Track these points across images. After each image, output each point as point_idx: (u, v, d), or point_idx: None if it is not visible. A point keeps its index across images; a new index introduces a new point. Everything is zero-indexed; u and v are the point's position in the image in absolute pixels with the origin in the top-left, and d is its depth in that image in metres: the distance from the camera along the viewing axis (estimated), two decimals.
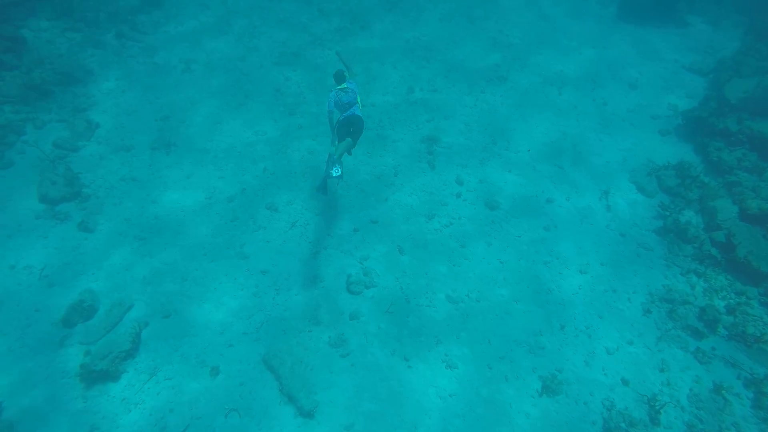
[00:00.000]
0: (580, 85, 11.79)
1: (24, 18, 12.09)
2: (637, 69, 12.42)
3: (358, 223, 8.68)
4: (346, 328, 7.41)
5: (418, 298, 7.75)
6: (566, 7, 14.35)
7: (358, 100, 7.60)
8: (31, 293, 7.49)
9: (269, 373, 6.89)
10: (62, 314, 7.15)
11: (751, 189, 9.12)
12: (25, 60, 11.07)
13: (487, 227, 8.77)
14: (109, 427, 6.31)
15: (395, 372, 6.95)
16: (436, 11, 13.79)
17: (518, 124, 10.67)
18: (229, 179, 9.31)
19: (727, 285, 8.03)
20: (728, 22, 14.06)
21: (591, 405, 6.80)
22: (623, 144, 10.45)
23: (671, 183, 9.45)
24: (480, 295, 7.86)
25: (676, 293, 7.85)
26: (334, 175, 7.32)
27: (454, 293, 7.85)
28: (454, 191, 9.27)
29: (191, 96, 10.93)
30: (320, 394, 6.67)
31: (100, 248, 8.13)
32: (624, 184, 9.69)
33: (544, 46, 12.86)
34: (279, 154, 9.77)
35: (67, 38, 12.03)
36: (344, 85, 7.49)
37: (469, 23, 13.49)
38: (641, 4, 14.00)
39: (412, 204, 9.02)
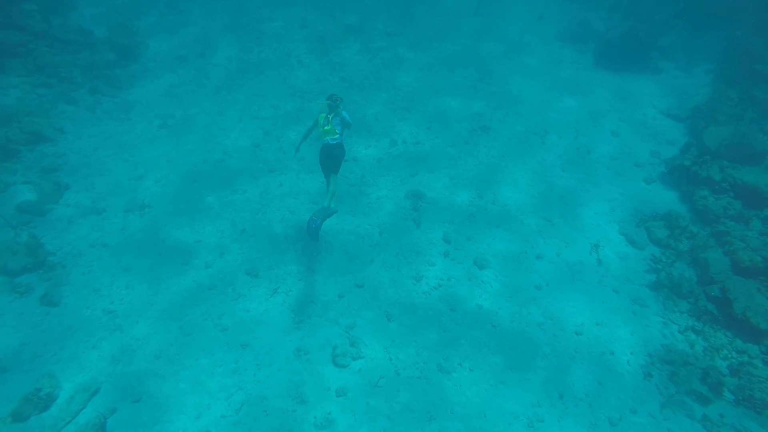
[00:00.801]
0: (563, 133, 11.78)
1: None
2: (617, 115, 12.52)
3: (342, 288, 8.26)
4: (333, 405, 6.88)
5: (409, 370, 7.29)
6: (544, 56, 14.56)
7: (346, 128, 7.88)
8: None
9: None
10: (12, 407, 6.46)
11: (740, 239, 9.01)
12: None
13: (477, 288, 8.43)
14: None
15: None
16: (416, 61, 13.83)
17: (504, 175, 10.52)
18: (207, 242, 8.85)
19: (727, 343, 7.77)
20: (699, 69, 14.42)
21: None
22: (610, 194, 10.35)
23: (661, 234, 9.30)
24: (473, 363, 7.44)
25: (676, 353, 7.55)
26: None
27: (445, 362, 7.41)
28: (441, 250, 8.96)
29: (167, 153, 10.56)
30: None
31: (64, 324, 7.53)
32: (614, 236, 9.50)
33: (525, 95, 12.92)
34: (259, 215, 9.39)
35: (38, 95, 11.65)
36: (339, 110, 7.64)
37: (450, 72, 13.54)
38: (616, 52, 14.30)
39: (399, 265, 8.66)
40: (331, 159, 7.69)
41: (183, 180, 9.97)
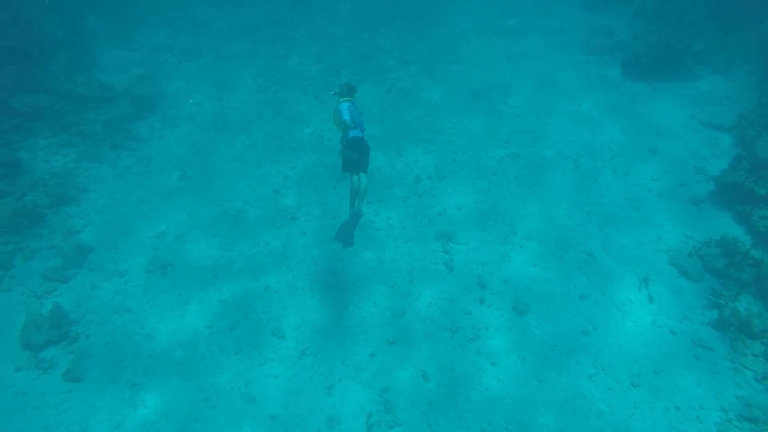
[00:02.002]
0: (597, 155, 11.08)
1: (22, 140, 11.90)
2: (653, 130, 11.73)
3: (374, 345, 7.76)
4: None
5: None
6: (569, 73, 13.92)
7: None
8: None
9: None
10: None
11: None
12: (19, 184, 10.72)
13: (518, 337, 7.79)
14: None
15: None
16: (436, 88, 13.39)
17: (537, 207, 9.88)
18: (230, 302, 8.52)
19: None
20: (740, 71, 13.46)
21: None
22: (654, 219, 9.56)
23: (718, 264, 8.46)
24: (520, 426, 6.77)
25: (757, 408, 6.69)
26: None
27: (489, 426, 6.77)
28: (477, 296, 8.37)
29: (187, 206, 10.37)
30: None
31: (86, 402, 7.26)
32: (664, 268, 8.72)
33: (553, 115, 12.29)
34: (282, 268, 9.01)
35: (63, 155, 11.73)
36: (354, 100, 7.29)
37: (472, 97, 13.04)
38: (646, 62, 13.52)
39: (433, 316, 8.11)
40: (368, 156, 7.31)
41: (203, 234, 9.73)
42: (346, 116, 7.15)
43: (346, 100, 7.44)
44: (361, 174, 7.30)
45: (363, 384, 7.32)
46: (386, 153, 11.28)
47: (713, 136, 11.38)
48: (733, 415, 6.74)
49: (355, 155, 7.16)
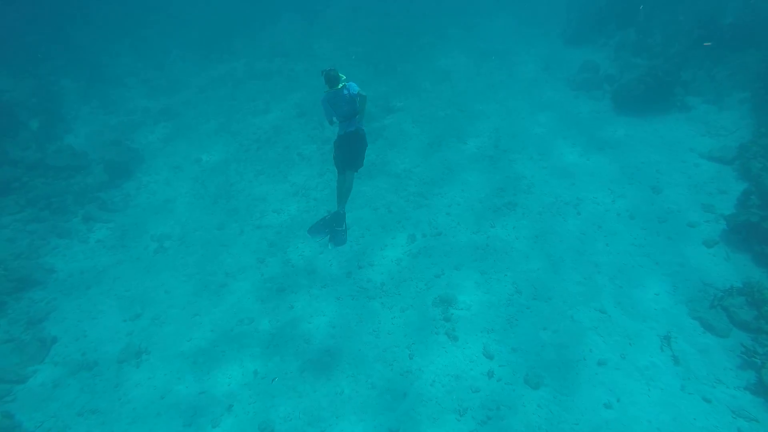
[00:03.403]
0: (598, 198, 10.49)
1: None
2: (653, 167, 11.21)
3: None
4: None
5: None
6: (559, 108, 13.56)
7: (359, 106, 6.53)
8: None
9: None
10: None
11: None
12: None
13: (534, 416, 6.94)
14: None
15: None
16: (423, 135, 12.91)
17: (540, 261, 9.19)
18: (212, 392, 7.62)
19: None
20: (731, 100, 13.13)
21: None
22: (668, 266, 8.88)
23: (746, 316, 7.74)
24: None
25: None
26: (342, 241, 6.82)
27: None
28: (484, 369, 7.55)
29: (165, 282, 9.57)
30: None
31: None
32: (686, 323, 7.97)
33: (548, 157, 11.78)
34: (270, 348, 8.16)
35: (29, 232, 10.98)
36: (340, 86, 6.22)
37: (461, 143, 12.58)
38: (636, 95, 13.17)
39: (437, 396, 7.26)
40: (360, 152, 6.76)
41: (183, 314, 8.91)
42: (326, 115, 6.54)
43: (325, 93, 6.47)
44: (348, 173, 6.86)
45: None
46: (376, 210, 10.63)
47: (716, 169, 10.87)
48: None
49: (338, 155, 6.72)
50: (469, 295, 8.67)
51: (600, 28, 17.37)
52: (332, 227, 6.89)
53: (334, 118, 6.58)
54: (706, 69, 14.04)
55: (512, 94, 14.52)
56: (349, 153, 6.71)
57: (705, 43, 13.85)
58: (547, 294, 8.62)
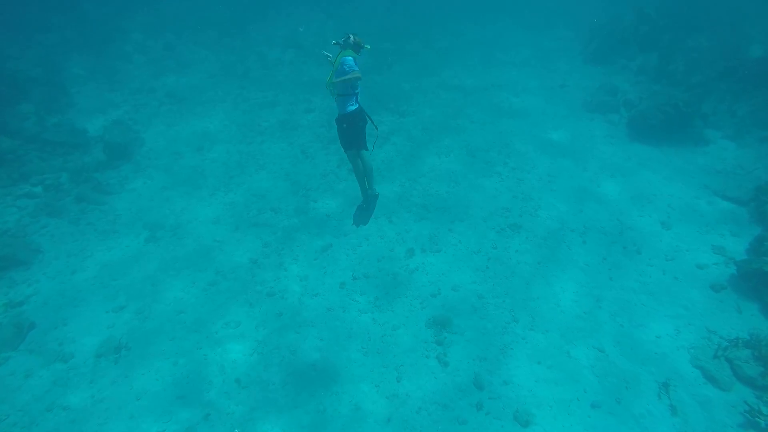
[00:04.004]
0: (606, 228, 10.16)
1: None
2: (664, 201, 10.88)
3: None
4: None
5: None
6: (573, 130, 13.20)
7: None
8: None
9: None
10: None
11: None
12: None
13: None
14: None
15: None
16: (432, 145, 12.56)
17: (541, 289, 8.87)
18: (190, 399, 7.31)
19: None
20: (751, 137, 12.82)
21: None
22: (671, 308, 8.57)
23: (751, 372, 7.43)
24: None
25: None
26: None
27: None
28: (473, 400, 7.25)
29: (153, 275, 9.25)
30: None
31: None
32: (686, 371, 7.66)
33: (558, 179, 11.45)
34: (254, 356, 7.85)
35: (18, 208, 10.66)
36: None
37: (470, 156, 12.21)
38: (653, 123, 12.82)
39: (423, 425, 6.96)
40: (345, 134, 6.47)
41: (168, 310, 8.60)
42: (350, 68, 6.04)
43: (351, 55, 6.15)
44: (363, 153, 6.74)
45: None
46: (376, 219, 10.28)
47: (729, 209, 10.54)
48: None
49: (362, 131, 6.49)
50: (465, 319, 8.36)
51: (622, 49, 17.00)
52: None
53: (353, 86, 6.24)
54: (727, 103, 13.70)
55: (526, 109, 14.17)
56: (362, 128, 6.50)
57: None
58: (544, 325, 8.31)
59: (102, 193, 11.26)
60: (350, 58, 6.07)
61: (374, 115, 12.77)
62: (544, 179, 11.46)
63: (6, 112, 13.05)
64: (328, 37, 18.23)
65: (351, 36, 6.20)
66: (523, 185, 11.27)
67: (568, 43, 18.16)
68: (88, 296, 8.85)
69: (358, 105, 6.35)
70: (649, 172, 11.73)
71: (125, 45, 17.71)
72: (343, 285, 8.99)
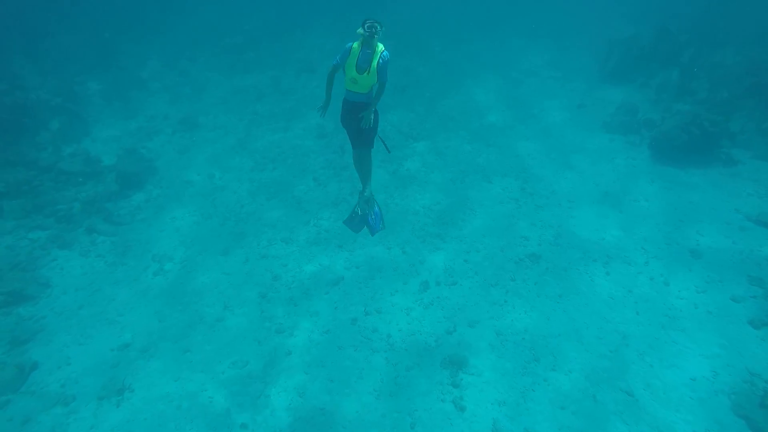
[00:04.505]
0: (630, 257, 9.64)
1: None
2: (693, 227, 10.30)
3: None
4: None
5: None
6: (592, 152, 12.74)
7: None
8: None
9: None
10: None
11: None
12: None
13: None
14: None
15: None
16: (446, 169, 12.22)
17: (562, 325, 8.38)
18: None
19: None
20: None
21: None
22: (707, 347, 7.97)
23: None
24: None
25: None
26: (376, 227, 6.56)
27: None
28: None
29: (160, 310, 9.05)
30: None
31: None
32: (728, 420, 7.07)
33: (578, 205, 10.97)
34: (261, 399, 7.53)
35: (30, 240, 10.61)
36: (379, 47, 5.47)
37: (486, 182, 11.83)
38: (677, 145, 12.26)
39: None
40: (356, 127, 6.02)
41: (173, 349, 8.34)
42: (335, 59, 5.71)
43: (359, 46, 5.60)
44: (358, 149, 6.43)
45: None
46: (389, 249, 9.95)
47: (765, 236, 9.93)
48: None
49: (344, 119, 6.24)
50: (482, 358, 7.90)
51: (641, 67, 16.52)
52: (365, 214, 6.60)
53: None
54: (756, 121, 13.10)
55: (544, 131, 13.77)
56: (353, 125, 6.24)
57: None
58: (567, 365, 7.80)
59: (113, 224, 11.17)
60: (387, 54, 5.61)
61: (387, 139, 12.57)
62: (564, 205, 11.00)
63: (24, 143, 13.22)
64: None
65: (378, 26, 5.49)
66: (542, 212, 10.83)
67: (585, 60, 17.75)
68: (93, 333, 8.66)
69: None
70: (674, 196, 11.18)
71: (142, 72, 17.91)
72: (355, 321, 8.64)
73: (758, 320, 8.29)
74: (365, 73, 5.59)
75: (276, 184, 11.99)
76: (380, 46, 5.58)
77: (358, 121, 5.95)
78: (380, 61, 5.54)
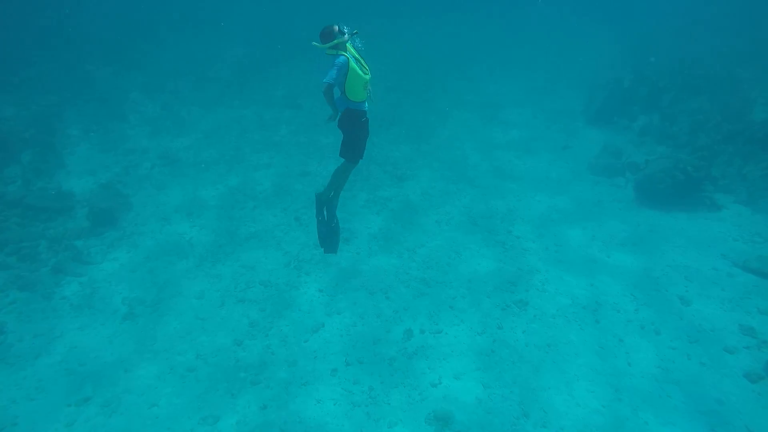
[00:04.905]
0: (619, 305, 9.41)
1: None
2: (681, 272, 10.17)
3: None
4: None
5: None
6: (578, 195, 12.71)
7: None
8: None
9: None
10: None
11: None
12: None
13: None
14: None
15: None
16: (433, 212, 11.99)
17: (552, 378, 8.01)
18: None
19: None
20: (766, 202, 12.22)
21: None
22: (702, 401, 7.67)
23: None
24: None
25: None
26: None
27: None
28: None
29: (127, 358, 8.43)
30: None
31: None
32: None
33: (565, 249, 10.80)
34: None
35: None
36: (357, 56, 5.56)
37: (472, 224, 11.61)
38: (662, 188, 12.28)
39: None
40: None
41: (139, 402, 7.72)
42: (335, 79, 5.49)
43: (347, 56, 5.53)
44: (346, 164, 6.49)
45: None
46: (372, 294, 9.55)
47: (753, 283, 9.81)
48: None
49: (362, 141, 6.12)
50: (469, 413, 7.45)
51: (623, 110, 16.83)
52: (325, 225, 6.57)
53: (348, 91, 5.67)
54: (736, 166, 13.28)
55: (528, 172, 13.74)
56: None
57: None
58: (558, 421, 7.40)
59: (82, 263, 10.59)
60: (342, 58, 5.51)
61: (371, 178, 12.34)
62: (551, 249, 10.80)
63: None
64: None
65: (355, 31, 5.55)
66: (529, 256, 10.60)
67: (569, 102, 18.04)
68: (48, 386, 7.98)
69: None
70: (660, 240, 11.09)
71: (123, 104, 17.57)
72: (335, 372, 8.15)
73: (754, 373, 8.05)
74: (369, 73, 5.70)
75: (256, 223, 11.61)
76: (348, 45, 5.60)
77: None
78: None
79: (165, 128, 16.19)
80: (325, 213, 6.84)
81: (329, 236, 7.07)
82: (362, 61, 5.71)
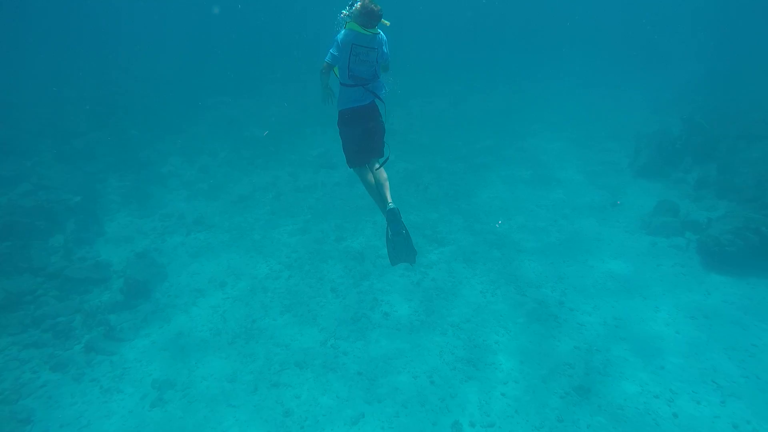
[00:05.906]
0: (699, 394, 8.26)
1: None
2: (766, 352, 8.86)
3: None
4: None
5: None
6: (634, 259, 11.68)
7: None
8: None
9: None
10: None
11: None
12: None
13: None
14: None
15: None
16: (479, 279, 11.21)
17: None
18: None
19: None
20: None
21: None
22: None
23: None
24: None
25: None
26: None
27: None
28: None
29: None
30: None
31: None
32: None
33: (625, 323, 9.81)
34: None
35: (21, 361, 9.69)
36: (375, 31, 4.49)
37: (520, 295, 10.78)
38: (731, 251, 11.12)
39: None
40: (380, 133, 5.06)
41: None
42: (331, 59, 4.69)
43: (349, 31, 4.64)
44: (372, 162, 5.16)
45: None
46: (415, 379, 8.75)
47: None
48: None
49: (353, 142, 5.04)
50: None
51: (675, 161, 15.85)
52: (395, 241, 5.22)
53: (341, 74, 4.84)
54: None
55: (578, 234, 12.84)
56: (367, 135, 5.00)
57: None
58: None
59: (114, 340, 10.30)
60: (344, 32, 4.73)
61: (421, 249, 11.76)
62: (610, 323, 9.77)
63: (35, 247, 12.75)
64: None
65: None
66: (586, 332, 9.60)
67: (614, 155, 17.20)
68: None
69: (372, 98, 5.14)
70: (738, 313, 9.88)
71: (162, 168, 17.90)
72: None
73: None
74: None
75: (291, 295, 11.11)
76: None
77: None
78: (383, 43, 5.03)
79: (201, 191, 16.28)
80: (387, 230, 5.79)
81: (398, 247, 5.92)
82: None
